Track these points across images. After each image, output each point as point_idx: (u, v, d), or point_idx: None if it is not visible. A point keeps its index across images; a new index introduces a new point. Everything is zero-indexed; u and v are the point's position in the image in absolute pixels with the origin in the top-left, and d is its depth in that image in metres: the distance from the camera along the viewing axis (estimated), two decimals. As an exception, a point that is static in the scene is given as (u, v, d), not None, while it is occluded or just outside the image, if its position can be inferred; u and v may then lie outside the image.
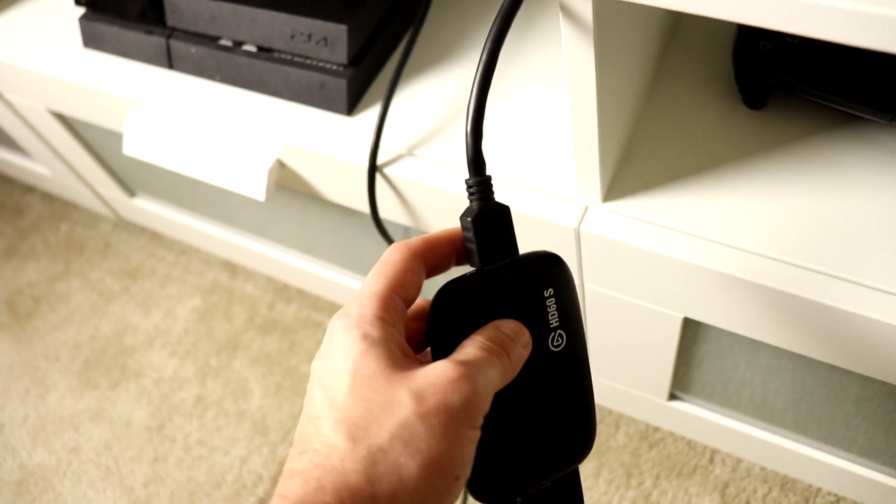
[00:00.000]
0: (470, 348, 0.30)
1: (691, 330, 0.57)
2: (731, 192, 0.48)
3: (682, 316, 0.53)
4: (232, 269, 0.99)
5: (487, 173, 0.33)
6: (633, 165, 0.50)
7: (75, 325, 0.98)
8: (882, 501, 0.69)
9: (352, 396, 0.27)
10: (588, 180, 0.47)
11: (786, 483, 0.75)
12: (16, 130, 0.86)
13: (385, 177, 0.54)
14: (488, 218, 0.33)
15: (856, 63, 0.45)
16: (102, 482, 0.85)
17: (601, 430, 0.80)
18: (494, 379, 0.30)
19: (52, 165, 0.93)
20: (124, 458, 0.87)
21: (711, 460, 0.78)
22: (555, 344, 0.33)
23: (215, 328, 0.94)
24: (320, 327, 0.92)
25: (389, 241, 0.62)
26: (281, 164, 0.60)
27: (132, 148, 0.65)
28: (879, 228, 0.45)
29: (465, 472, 0.28)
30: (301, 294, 0.95)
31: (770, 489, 0.75)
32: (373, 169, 0.53)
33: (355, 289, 0.83)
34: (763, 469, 0.76)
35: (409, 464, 0.26)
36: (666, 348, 0.58)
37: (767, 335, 0.50)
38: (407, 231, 0.65)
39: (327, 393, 0.28)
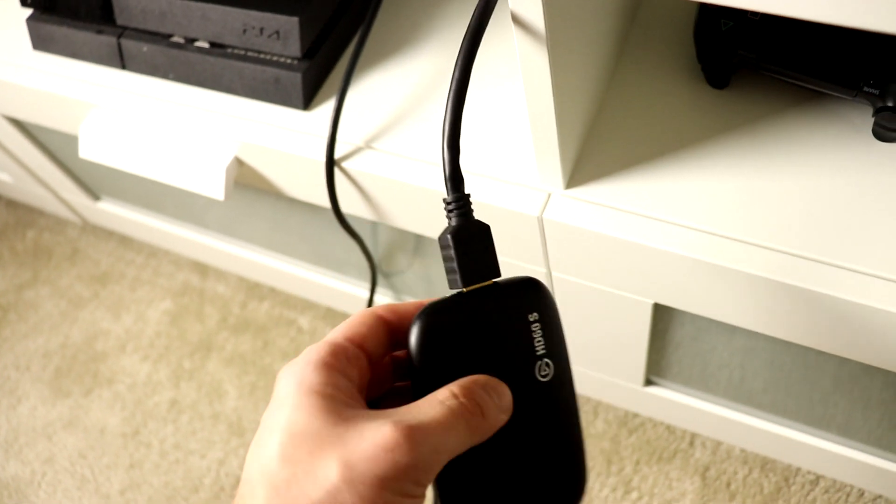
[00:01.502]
0: (430, 407, 0.27)
1: (664, 315, 0.56)
2: (697, 175, 0.47)
3: (653, 302, 0.52)
4: (202, 269, 0.97)
5: (466, 191, 0.32)
6: (595, 151, 0.49)
7: (45, 333, 0.96)
8: (860, 478, 0.69)
9: (279, 458, 0.26)
10: (549, 168, 0.46)
11: (766, 464, 0.75)
12: (-28, 137, 0.84)
13: (344, 171, 0.53)
14: (469, 234, 0.31)
15: (819, 39, 0.44)
16: (78, 491, 0.84)
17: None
18: (451, 444, 0.27)
19: (13, 172, 0.91)
20: (100, 466, 0.85)
21: (691, 444, 0.77)
22: (542, 374, 0.31)
23: (187, 330, 0.93)
24: (293, 325, 0.91)
25: (355, 236, 0.60)
26: (239, 162, 0.58)
27: (88, 151, 0.64)
28: (847, 206, 0.45)
29: None
30: (273, 292, 0.94)
31: (750, 470, 0.75)
32: (331, 163, 0.52)
33: (326, 285, 0.82)
34: (743, 451, 0.76)
35: None
36: (638, 335, 0.57)
37: (739, 319, 0.49)
38: (374, 226, 0.64)
39: (261, 451, 0.27)
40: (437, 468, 0.27)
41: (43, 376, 0.92)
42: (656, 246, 0.45)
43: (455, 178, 0.31)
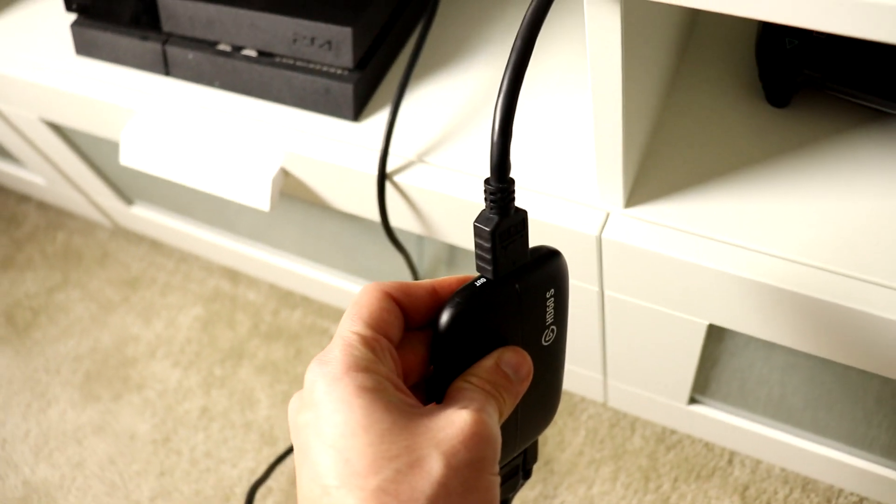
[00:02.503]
0: (475, 393, 0.29)
1: (716, 335, 0.55)
2: (758, 195, 0.46)
3: (708, 323, 0.51)
4: (233, 275, 0.97)
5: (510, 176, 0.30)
6: (654, 169, 0.48)
7: (75, 337, 0.96)
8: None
9: (372, 457, 0.25)
10: (610, 185, 0.45)
11: (807, 483, 0.74)
12: (8, 140, 0.83)
13: (395, 185, 0.52)
14: (508, 229, 0.30)
15: (888, 58, 0.43)
16: (108, 497, 0.84)
17: (616, 434, 0.79)
18: (498, 421, 0.29)
19: (47, 175, 0.91)
20: (129, 473, 0.85)
21: (730, 462, 0.76)
22: (546, 340, 0.34)
23: (218, 337, 0.92)
24: (326, 334, 0.90)
25: (402, 250, 0.60)
26: (285, 173, 0.58)
27: (129, 159, 0.63)
28: (915, 230, 0.44)
29: None
30: (306, 300, 0.93)
31: (791, 490, 0.74)
32: (382, 177, 0.51)
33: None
34: (784, 470, 0.75)
35: None
36: (689, 355, 0.56)
37: (798, 342, 0.48)
38: (420, 240, 0.63)
39: (341, 455, 0.25)
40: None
41: (73, 380, 0.92)
42: (717, 267, 0.44)
43: (502, 167, 0.30)
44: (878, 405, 0.57)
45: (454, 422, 0.26)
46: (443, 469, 0.25)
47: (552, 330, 0.33)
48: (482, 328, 0.31)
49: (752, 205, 0.46)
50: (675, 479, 0.76)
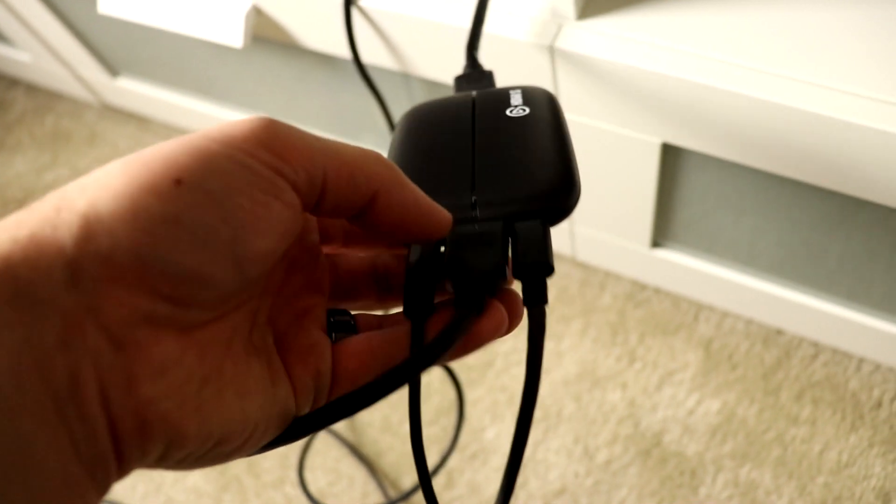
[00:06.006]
0: None
1: (670, 165, 0.57)
2: (713, 6, 0.48)
3: (661, 141, 0.53)
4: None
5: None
6: (609, -16, 0.49)
7: (65, 213, 0.98)
8: (862, 344, 0.70)
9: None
10: (562, -5, 0.46)
11: (768, 339, 0.77)
12: (-8, 6, 0.84)
13: (361, 11, 0.54)
14: (473, 75, 0.38)
15: None
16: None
17: (586, 292, 0.81)
18: (348, 153, 0.23)
19: (32, 48, 0.92)
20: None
21: (696, 318, 0.79)
22: (513, 113, 0.30)
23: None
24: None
25: (374, 91, 0.61)
26: (258, 11, 0.59)
27: (107, 6, 0.64)
28: (862, 35, 0.45)
29: (192, 179, 0.20)
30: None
31: (752, 344, 0.77)
32: (348, 1, 0.53)
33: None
34: (747, 325, 0.77)
35: (114, 168, 0.20)
36: (646, 182, 0.58)
37: (750, 155, 0.50)
38: (398, 78, 0.64)
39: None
40: (307, 150, 0.22)
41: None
42: (667, 72, 0.46)
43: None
44: (845, 249, 0.59)
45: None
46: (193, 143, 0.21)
47: (522, 109, 0.30)
48: (437, 116, 0.31)
49: (706, 15, 0.47)
50: (642, 334, 0.79)
